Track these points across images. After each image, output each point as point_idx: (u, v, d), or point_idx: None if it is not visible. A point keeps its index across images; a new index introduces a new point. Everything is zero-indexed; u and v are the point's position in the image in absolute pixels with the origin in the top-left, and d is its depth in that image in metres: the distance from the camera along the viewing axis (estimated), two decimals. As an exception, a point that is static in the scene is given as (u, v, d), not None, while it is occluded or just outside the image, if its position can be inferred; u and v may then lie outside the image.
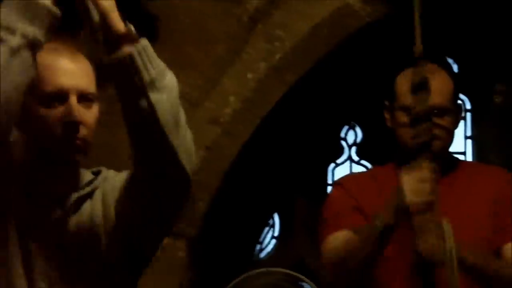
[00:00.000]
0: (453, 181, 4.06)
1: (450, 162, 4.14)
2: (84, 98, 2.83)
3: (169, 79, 2.78)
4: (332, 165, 5.91)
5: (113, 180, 2.95)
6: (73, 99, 2.83)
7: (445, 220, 3.80)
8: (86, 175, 2.94)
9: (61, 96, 2.82)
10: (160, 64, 2.73)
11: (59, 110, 2.82)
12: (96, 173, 2.95)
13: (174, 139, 2.77)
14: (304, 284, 5.16)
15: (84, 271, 2.87)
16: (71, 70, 2.88)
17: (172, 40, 4.90)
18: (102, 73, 2.84)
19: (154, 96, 2.73)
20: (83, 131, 2.84)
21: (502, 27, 5.35)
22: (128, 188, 2.84)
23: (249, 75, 5.08)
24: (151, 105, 2.72)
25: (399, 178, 3.78)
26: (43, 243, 2.88)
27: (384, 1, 4.85)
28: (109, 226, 2.85)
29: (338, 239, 4.01)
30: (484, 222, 4.01)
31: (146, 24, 4.84)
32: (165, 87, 2.77)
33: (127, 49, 2.69)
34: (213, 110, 5.07)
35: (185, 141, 2.82)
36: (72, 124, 2.82)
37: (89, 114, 2.86)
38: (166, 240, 4.25)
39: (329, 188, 5.59)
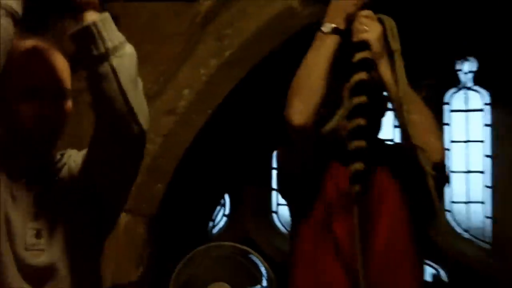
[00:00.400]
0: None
1: (377, 148, 4.03)
2: (58, 94, 2.97)
3: (129, 48, 2.96)
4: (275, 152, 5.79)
5: (75, 153, 3.15)
6: (46, 96, 2.97)
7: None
8: (56, 157, 3.10)
9: (36, 92, 2.96)
10: (120, 36, 2.92)
11: (34, 105, 2.96)
12: (62, 154, 3.12)
13: (132, 99, 2.91)
14: (250, 255, 5.05)
15: (58, 236, 3.01)
16: (46, 69, 2.99)
17: (132, 38, 4.68)
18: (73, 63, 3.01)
19: (116, 61, 2.89)
20: (53, 125, 3.00)
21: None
22: (92, 148, 2.99)
23: (202, 71, 5.06)
24: (113, 68, 2.88)
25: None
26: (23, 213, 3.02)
27: (322, 4, 4.84)
28: (77, 190, 3.02)
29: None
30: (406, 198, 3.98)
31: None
32: (125, 55, 2.94)
33: (92, 17, 2.88)
34: (170, 102, 5.05)
35: (141, 101, 2.98)
36: (44, 118, 2.97)
37: (61, 109, 2.98)
38: (127, 218, 4.32)
39: (273, 173, 5.77)
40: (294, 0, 5.11)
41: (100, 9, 2.99)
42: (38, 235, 3.06)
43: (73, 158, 3.12)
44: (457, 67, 5.88)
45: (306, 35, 4.74)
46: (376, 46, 3.49)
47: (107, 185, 3.07)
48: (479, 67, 5.86)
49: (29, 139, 3.02)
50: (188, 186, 5.41)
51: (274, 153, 5.57)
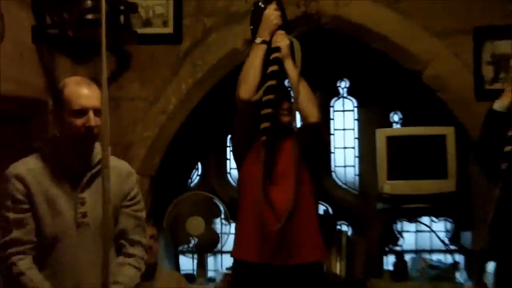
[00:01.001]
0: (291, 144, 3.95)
1: (290, 133, 4.02)
2: (96, 111, 2.85)
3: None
4: (229, 136, 5.41)
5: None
6: (90, 113, 2.86)
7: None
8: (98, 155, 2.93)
9: (83, 111, 2.87)
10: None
11: (82, 120, 2.86)
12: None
13: None
14: (214, 200, 5.17)
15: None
16: (88, 95, 2.89)
17: (140, 68, 4.89)
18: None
19: None
20: (95, 130, 2.86)
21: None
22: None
23: (183, 86, 4.92)
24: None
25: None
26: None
27: None
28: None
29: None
30: (305, 164, 3.94)
31: (125, 59, 4.85)
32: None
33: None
34: (163, 106, 4.91)
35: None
36: (89, 128, 2.86)
37: (98, 120, 2.82)
38: (138, 178, 4.24)
39: (227, 150, 5.67)
40: (239, 43, 4.91)
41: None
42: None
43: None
44: (338, 84, 5.77)
45: None
46: (284, 50, 3.72)
47: None
48: (350, 84, 5.78)
49: (79, 143, 2.92)
50: (175, 158, 5.23)
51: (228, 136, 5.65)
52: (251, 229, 3.96)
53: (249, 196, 3.98)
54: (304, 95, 3.83)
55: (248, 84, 3.79)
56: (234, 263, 4.11)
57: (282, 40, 3.78)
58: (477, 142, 4.45)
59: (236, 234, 4.16)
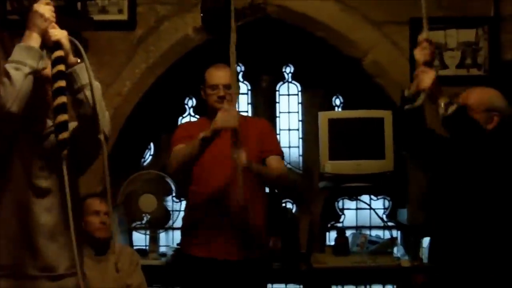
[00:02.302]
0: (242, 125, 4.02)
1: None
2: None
3: (96, 85, 2.88)
4: (180, 117, 5.74)
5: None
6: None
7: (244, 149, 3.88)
8: None
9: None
10: (90, 76, 2.85)
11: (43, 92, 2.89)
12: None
13: (101, 116, 2.84)
14: (166, 179, 5.17)
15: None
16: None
17: (97, 53, 4.95)
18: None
19: (87, 92, 2.82)
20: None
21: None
22: (75, 132, 2.89)
23: (136, 70, 5.07)
24: (86, 96, 2.82)
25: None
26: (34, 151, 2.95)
27: (207, 33, 4.93)
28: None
29: (177, 149, 4.09)
30: (254, 149, 4.09)
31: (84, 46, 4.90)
32: (94, 89, 2.84)
33: (74, 66, 2.83)
34: (118, 88, 5.04)
35: (105, 119, 2.91)
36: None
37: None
38: None
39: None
40: (190, 30, 5.09)
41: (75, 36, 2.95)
42: (41, 169, 2.96)
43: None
44: (283, 69, 5.85)
45: (197, 52, 5.05)
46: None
47: (81, 154, 2.99)
48: (295, 70, 5.85)
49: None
50: (129, 137, 5.35)
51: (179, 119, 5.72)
52: (200, 222, 4.08)
53: (198, 184, 4.11)
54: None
55: (177, 169, 4.06)
56: (182, 257, 4.24)
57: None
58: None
59: (184, 225, 4.30)
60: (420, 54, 3.57)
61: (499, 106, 3.53)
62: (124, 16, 5.04)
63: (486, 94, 3.59)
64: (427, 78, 3.47)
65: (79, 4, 4.69)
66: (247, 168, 3.86)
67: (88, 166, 3.15)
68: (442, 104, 3.45)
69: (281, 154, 4.31)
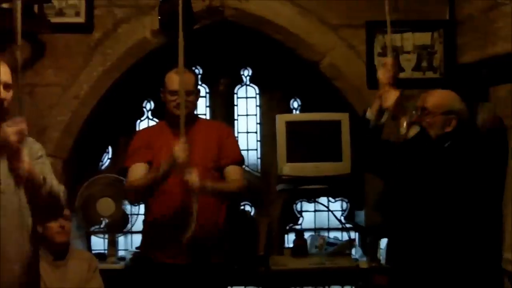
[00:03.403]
0: (195, 131, 4.11)
1: (193, 120, 4.19)
2: (6, 85, 2.93)
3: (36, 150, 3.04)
4: (138, 120, 5.72)
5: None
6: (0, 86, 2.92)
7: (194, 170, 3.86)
8: None
9: None
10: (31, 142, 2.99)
11: None
12: None
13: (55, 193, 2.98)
14: (124, 182, 4.72)
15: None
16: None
17: (55, 56, 4.95)
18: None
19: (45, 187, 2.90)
20: (5, 103, 2.92)
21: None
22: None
23: (94, 73, 5.02)
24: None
25: (173, 144, 3.83)
26: None
27: (164, 36, 4.90)
28: None
29: (137, 170, 4.11)
30: (213, 154, 4.14)
31: (40, 47, 4.87)
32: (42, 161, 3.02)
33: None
34: (76, 91, 5.00)
35: (60, 192, 3.04)
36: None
37: (8, 94, 2.94)
38: (52, 160, 4.20)
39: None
40: (148, 33, 5.07)
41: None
42: None
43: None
44: (241, 72, 5.84)
45: (155, 55, 5.05)
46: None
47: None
48: (253, 73, 5.84)
49: None
50: (87, 141, 5.33)
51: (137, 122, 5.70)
52: (160, 226, 4.10)
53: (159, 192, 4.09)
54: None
55: (134, 196, 4.20)
56: (142, 261, 4.26)
57: None
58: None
59: (144, 229, 4.32)
60: (384, 75, 3.68)
61: (457, 109, 3.61)
62: (81, 19, 5.01)
63: (445, 97, 3.67)
64: (390, 97, 3.57)
65: (36, 7, 4.66)
66: (201, 190, 3.87)
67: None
68: (404, 124, 3.55)
69: (240, 161, 4.32)
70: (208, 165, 4.12)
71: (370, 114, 3.68)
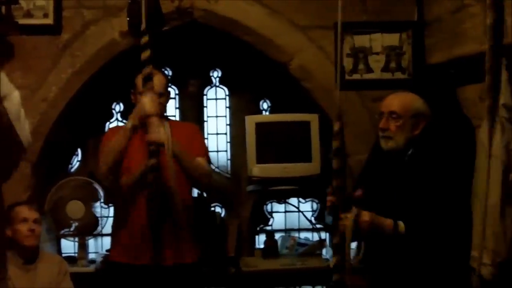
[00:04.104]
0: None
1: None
2: None
3: (15, 95, 2.98)
4: (108, 122, 5.69)
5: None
6: None
7: (167, 124, 4.00)
8: None
9: None
10: (9, 87, 2.93)
11: None
12: None
13: (18, 127, 2.91)
14: (94, 185, 5.14)
15: None
16: None
17: (23, 58, 4.90)
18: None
19: (5, 103, 2.88)
20: None
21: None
22: None
23: (62, 75, 5.01)
24: (4, 107, 2.86)
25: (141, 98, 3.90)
26: None
27: (132, 38, 4.81)
28: None
29: (105, 147, 4.12)
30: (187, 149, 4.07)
31: (8, 49, 4.81)
32: (12, 99, 2.93)
33: None
34: (44, 94, 4.98)
35: (24, 129, 3.00)
36: None
37: None
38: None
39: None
40: (116, 35, 5.06)
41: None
42: None
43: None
44: (211, 73, 5.85)
45: (124, 57, 5.03)
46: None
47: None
48: (222, 74, 5.86)
49: None
50: (56, 143, 5.27)
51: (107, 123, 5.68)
52: (128, 228, 4.10)
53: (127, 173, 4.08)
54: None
55: (107, 165, 4.02)
56: (109, 264, 4.24)
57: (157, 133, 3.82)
58: None
59: (112, 231, 4.29)
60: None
61: (424, 111, 3.65)
62: (49, 20, 4.99)
63: (411, 99, 3.69)
64: (347, 223, 3.45)
65: (3, 8, 4.55)
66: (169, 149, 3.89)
67: (8, 174, 3.12)
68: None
69: (206, 156, 4.31)
70: (179, 167, 4.08)
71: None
